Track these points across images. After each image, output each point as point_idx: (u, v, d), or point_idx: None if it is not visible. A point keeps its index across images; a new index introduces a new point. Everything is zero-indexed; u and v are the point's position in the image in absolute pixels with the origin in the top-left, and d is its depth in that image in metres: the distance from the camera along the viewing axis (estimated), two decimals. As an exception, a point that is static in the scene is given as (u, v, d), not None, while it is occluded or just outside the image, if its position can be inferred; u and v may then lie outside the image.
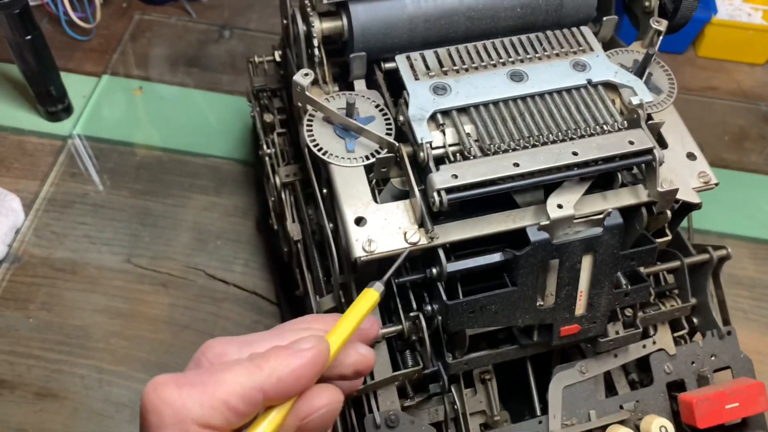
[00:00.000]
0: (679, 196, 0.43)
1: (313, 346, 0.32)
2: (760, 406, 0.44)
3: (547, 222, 0.40)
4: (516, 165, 0.40)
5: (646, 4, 0.50)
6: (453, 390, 0.45)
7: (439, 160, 0.42)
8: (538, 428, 0.44)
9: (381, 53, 0.48)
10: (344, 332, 0.34)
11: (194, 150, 0.73)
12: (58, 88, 0.72)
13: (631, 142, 0.42)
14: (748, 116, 0.81)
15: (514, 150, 0.42)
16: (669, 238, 0.46)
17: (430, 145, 0.42)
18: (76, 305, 0.62)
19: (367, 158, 0.43)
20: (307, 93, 0.43)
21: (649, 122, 0.44)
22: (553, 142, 0.42)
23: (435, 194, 0.39)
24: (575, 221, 0.41)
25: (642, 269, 0.45)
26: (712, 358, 0.47)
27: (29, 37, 0.66)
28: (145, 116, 0.76)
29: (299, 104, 0.45)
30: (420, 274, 0.42)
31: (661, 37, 0.48)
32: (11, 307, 0.62)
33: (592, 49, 0.47)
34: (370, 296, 0.36)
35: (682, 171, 0.45)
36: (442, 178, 0.40)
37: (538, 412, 0.45)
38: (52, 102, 0.72)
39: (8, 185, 0.69)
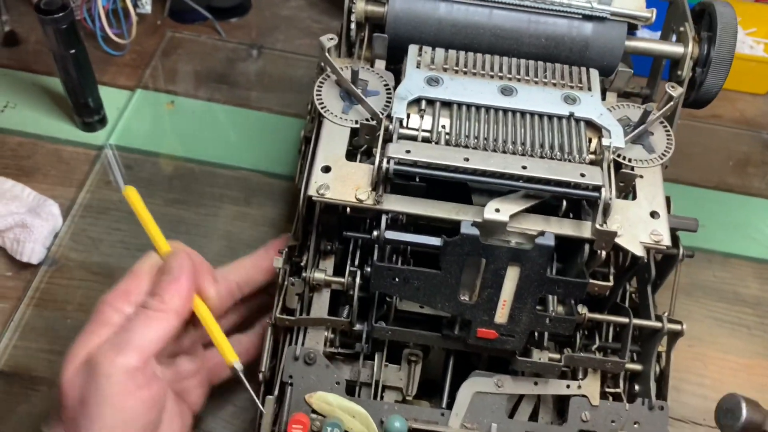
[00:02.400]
0: (623, 244, 0.44)
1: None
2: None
3: (480, 221, 0.43)
4: (466, 159, 0.44)
5: (679, 72, 0.53)
6: (376, 357, 0.47)
7: (409, 139, 0.47)
8: (438, 419, 0.45)
9: (408, 43, 0.52)
10: (155, 236, 0.51)
11: (224, 162, 0.76)
12: (96, 99, 0.75)
13: (582, 175, 0.44)
14: (751, 143, 0.85)
15: (473, 149, 0.46)
16: (608, 284, 0.46)
17: (400, 122, 0.46)
18: (111, 308, 0.64)
19: (356, 123, 0.48)
20: (326, 54, 0.48)
21: (623, 170, 0.46)
22: (513, 153, 0.46)
23: (385, 160, 0.44)
24: (509, 230, 0.43)
25: (585, 312, 0.47)
26: (635, 425, 0.47)
27: (73, 51, 0.69)
28: (176, 129, 0.79)
29: (321, 64, 0.50)
30: (368, 235, 0.46)
31: (672, 105, 0.49)
32: (50, 308, 0.64)
33: (589, 89, 0.49)
34: (131, 194, 0.51)
35: (638, 224, 0.45)
36: (395, 149, 0.44)
37: (443, 405, 0.47)
38: (89, 113, 0.75)
39: (45, 191, 0.71)
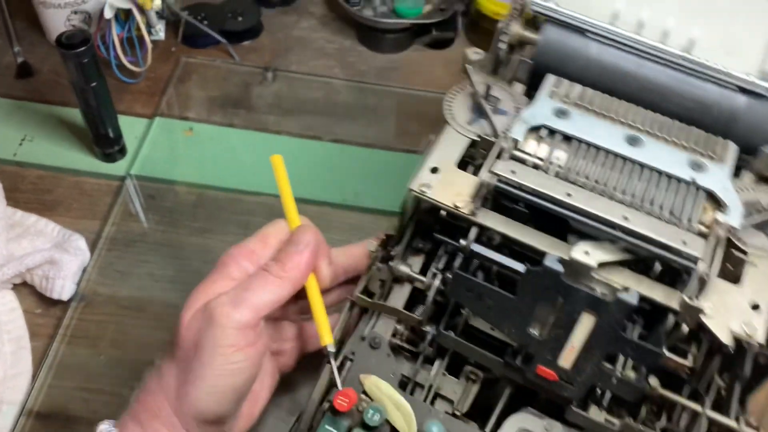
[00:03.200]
0: (710, 326, 0.41)
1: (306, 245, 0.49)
2: None
3: (566, 258, 0.42)
4: (568, 195, 0.44)
5: None
6: (436, 363, 0.47)
7: (520, 162, 0.46)
8: None
9: (553, 73, 0.52)
10: (290, 208, 0.53)
11: (247, 188, 0.75)
12: (116, 130, 0.75)
13: (684, 242, 0.42)
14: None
15: (580, 187, 0.45)
16: (686, 362, 0.43)
17: (516, 143, 0.46)
18: (144, 342, 0.64)
19: (477, 136, 0.49)
20: (467, 65, 0.51)
21: (735, 252, 0.44)
22: (619, 202, 0.45)
23: (488, 175, 0.44)
24: (595, 276, 0.43)
25: (657, 386, 0.44)
26: None
27: (95, 84, 0.69)
28: (196, 156, 0.78)
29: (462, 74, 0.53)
30: (456, 243, 0.46)
31: None
32: (82, 345, 0.64)
33: (721, 161, 0.47)
34: (277, 162, 0.54)
35: (734, 311, 0.42)
36: (502, 166, 0.45)
37: (487, 430, 0.46)
38: (109, 144, 0.75)
39: (69, 225, 0.71)
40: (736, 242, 0.45)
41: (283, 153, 0.80)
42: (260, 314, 0.46)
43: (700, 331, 0.43)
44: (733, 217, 0.44)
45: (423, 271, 0.48)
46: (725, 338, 0.42)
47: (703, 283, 0.42)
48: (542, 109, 0.49)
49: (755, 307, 0.43)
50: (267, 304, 0.47)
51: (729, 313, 0.42)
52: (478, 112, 0.51)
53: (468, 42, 0.92)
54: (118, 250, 0.70)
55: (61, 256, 0.65)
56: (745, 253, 0.45)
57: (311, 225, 0.52)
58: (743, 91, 0.50)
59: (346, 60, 0.89)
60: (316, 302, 0.49)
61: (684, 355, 0.43)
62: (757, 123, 0.50)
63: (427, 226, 0.49)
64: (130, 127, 0.79)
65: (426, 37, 0.90)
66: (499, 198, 0.45)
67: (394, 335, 0.48)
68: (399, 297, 0.48)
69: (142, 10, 0.80)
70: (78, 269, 0.66)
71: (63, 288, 0.64)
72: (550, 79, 0.51)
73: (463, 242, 0.45)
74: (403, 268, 0.48)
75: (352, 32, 0.92)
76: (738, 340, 0.42)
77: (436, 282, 0.47)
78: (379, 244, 0.50)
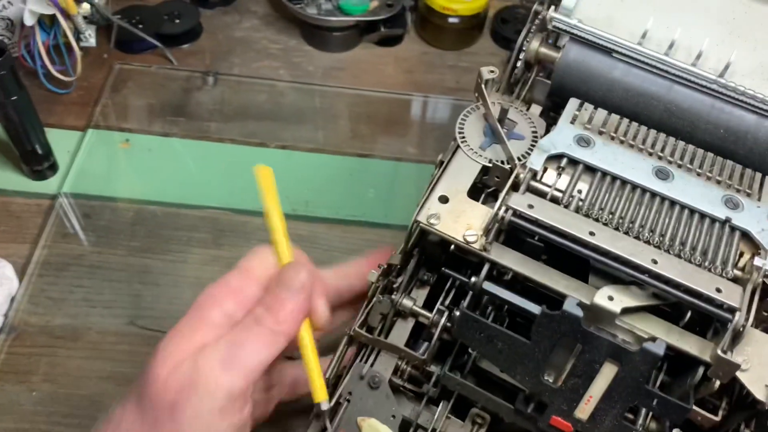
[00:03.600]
0: (745, 382, 0.39)
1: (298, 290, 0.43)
2: None
3: (588, 303, 0.39)
4: (591, 234, 0.40)
5: None
6: (441, 404, 0.44)
7: (538, 194, 0.44)
8: None
9: (572, 96, 0.48)
10: (278, 234, 0.45)
11: (189, 202, 0.71)
12: (44, 146, 0.69)
13: (719, 290, 0.39)
14: None
15: (604, 224, 0.42)
16: (715, 418, 0.41)
17: (534, 174, 0.44)
18: (80, 374, 0.60)
19: (490, 162, 0.46)
20: (482, 86, 0.48)
21: None
22: (646, 242, 0.41)
23: (503, 208, 0.41)
24: (619, 323, 0.40)
25: None
26: None
27: (15, 98, 0.64)
28: (134, 170, 0.74)
29: (475, 94, 0.49)
30: (467, 279, 0.43)
31: None
32: (12, 381, 0.59)
33: (758, 199, 0.44)
34: (264, 174, 0.46)
35: None
36: (518, 200, 0.41)
37: None
38: (37, 160, 0.70)
39: (-5, 252, 0.66)
40: None
41: (228, 162, 0.76)
42: (254, 377, 0.41)
43: (733, 385, 0.40)
44: None
45: (428, 305, 0.45)
46: (762, 395, 0.38)
47: (738, 334, 0.39)
48: (563, 136, 0.45)
49: None
50: (262, 363, 0.41)
51: (765, 367, 0.39)
52: (492, 135, 0.47)
53: (418, 38, 0.89)
54: (50, 275, 0.65)
55: (-14, 286, 0.60)
56: None
57: (305, 259, 0.46)
58: None
59: (292, 60, 0.85)
60: (309, 352, 0.44)
61: (713, 410, 0.40)
62: None
63: (432, 257, 0.46)
64: (61, 141, 0.74)
65: (374, 35, 0.87)
66: (513, 231, 0.42)
67: (395, 373, 0.45)
68: (401, 332, 0.45)
69: (67, 15, 0.74)
70: (5, 300, 0.62)
71: (-12, 321, 0.60)
72: (572, 103, 0.48)
73: (473, 279, 0.42)
74: (407, 302, 0.45)
75: (296, 31, 0.88)
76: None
77: (443, 320, 0.44)
78: (380, 274, 0.46)
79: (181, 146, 0.76)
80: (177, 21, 0.84)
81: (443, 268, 0.45)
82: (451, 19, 0.85)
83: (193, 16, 0.85)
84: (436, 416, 0.44)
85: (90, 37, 0.80)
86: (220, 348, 0.41)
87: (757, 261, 0.40)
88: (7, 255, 0.65)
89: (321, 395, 0.43)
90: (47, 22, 0.75)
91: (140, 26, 0.82)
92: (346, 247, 0.70)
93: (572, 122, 0.46)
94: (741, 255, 0.42)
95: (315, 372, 0.44)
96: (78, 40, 0.78)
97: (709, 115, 0.47)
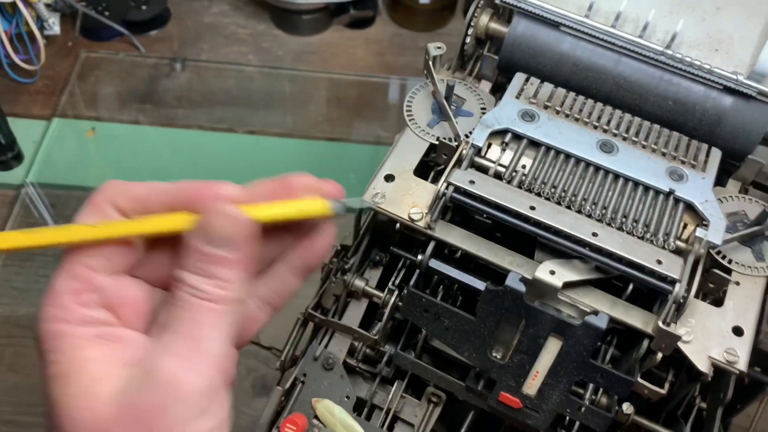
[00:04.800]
0: (688, 353, 0.38)
1: None
2: None
3: (529, 277, 0.39)
4: (531, 208, 0.40)
5: None
6: (395, 384, 0.44)
7: (481, 170, 0.43)
8: None
9: (521, 71, 0.48)
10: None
11: (156, 189, 0.71)
12: (7, 135, 0.69)
13: (659, 262, 0.38)
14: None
15: (546, 199, 0.41)
16: (661, 391, 0.40)
17: (478, 150, 0.43)
18: (45, 363, 0.60)
19: (437, 139, 0.45)
20: (429, 62, 0.47)
21: (716, 271, 0.40)
22: (588, 216, 0.41)
23: (444, 185, 0.40)
24: (562, 298, 0.39)
25: (631, 413, 0.41)
26: None
27: (-26, 86, 0.63)
28: (100, 158, 0.74)
29: (424, 71, 0.48)
30: (413, 257, 0.43)
31: None
32: (-25, 373, 0.59)
33: (702, 170, 0.44)
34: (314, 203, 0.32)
35: (715, 336, 0.39)
36: (459, 176, 0.41)
37: None
38: (2, 150, 0.70)
39: (-40, 242, 0.65)
40: (722, 261, 0.41)
41: (194, 148, 0.76)
42: (225, 360, 0.33)
43: (680, 357, 0.39)
44: (715, 233, 0.40)
45: (381, 286, 0.45)
46: (704, 367, 0.38)
47: (680, 306, 0.38)
48: (507, 111, 0.45)
49: (737, 331, 0.39)
50: (226, 341, 0.33)
51: (709, 338, 0.39)
52: (440, 112, 0.47)
53: (389, 20, 0.88)
54: (15, 265, 0.65)
55: (-52, 279, 0.60)
56: (728, 272, 0.41)
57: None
58: (730, 91, 0.45)
59: (261, 45, 0.84)
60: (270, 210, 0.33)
61: (659, 382, 0.40)
62: (743, 126, 0.45)
63: (384, 237, 0.45)
64: (26, 130, 0.73)
65: (344, 17, 0.86)
66: (459, 209, 0.42)
67: (349, 354, 0.45)
68: (355, 313, 0.45)
69: (28, 3, 0.73)
70: (-31, 292, 0.61)
71: (-49, 313, 0.59)
72: (518, 78, 0.47)
73: (420, 257, 0.41)
74: (359, 283, 0.45)
75: (266, 15, 0.87)
76: (716, 368, 0.38)
77: (393, 298, 0.43)
78: (333, 256, 0.46)
79: (148, 134, 0.75)
80: (144, 7, 0.83)
81: (392, 248, 0.44)
82: (422, 0, 0.85)
83: (161, 2, 0.84)
84: (390, 395, 0.44)
85: (54, 25, 0.79)
86: (171, 348, 0.32)
87: (699, 232, 0.40)
88: (-28, 245, 0.64)
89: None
90: (8, 10, 0.74)
91: (106, 13, 0.81)
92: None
93: (517, 97, 0.46)
94: (685, 227, 0.41)
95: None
96: (41, 28, 0.77)
97: (658, 88, 0.46)
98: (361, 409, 0.44)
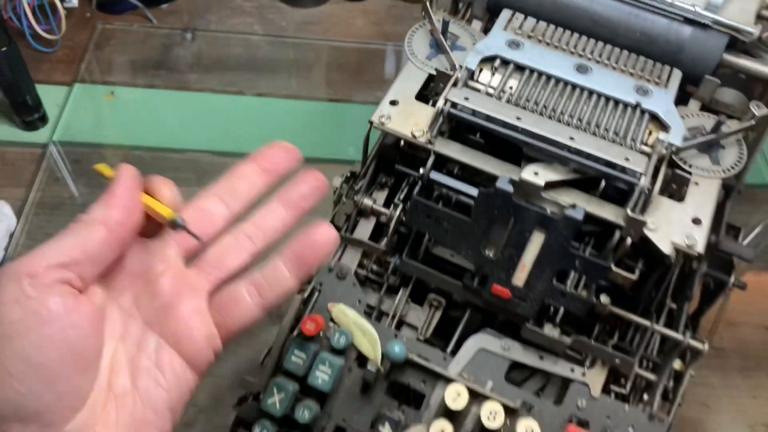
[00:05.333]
0: (653, 238, 0.43)
1: None
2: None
3: (516, 179, 0.44)
4: (518, 118, 0.46)
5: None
6: (400, 291, 0.49)
7: (474, 91, 0.48)
8: (439, 361, 0.46)
9: (509, 7, 0.53)
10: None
11: (171, 146, 0.76)
12: (33, 97, 0.74)
13: (627, 159, 0.44)
14: None
15: (530, 111, 0.47)
16: (632, 276, 0.45)
17: (472, 74, 0.49)
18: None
19: (435, 70, 0.50)
20: (427, 3, 0.52)
21: (678, 172, 0.46)
22: (567, 125, 0.47)
23: (442, 101, 0.46)
24: (545, 196, 0.44)
25: (608, 303, 0.46)
26: (630, 429, 0.45)
27: (5, 48, 0.68)
28: (119, 119, 0.78)
29: (422, 12, 0.54)
30: (416, 172, 0.48)
31: (751, 124, 0.47)
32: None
33: (665, 87, 0.49)
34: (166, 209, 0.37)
35: (676, 225, 0.44)
36: (455, 93, 0.47)
37: (449, 351, 0.48)
38: (29, 111, 0.74)
39: (-8, 195, 0.70)
40: (679, 162, 0.47)
41: (206, 109, 0.81)
42: (55, 262, 0.33)
43: (644, 245, 0.44)
44: (675, 136, 0.46)
45: (387, 205, 0.50)
46: (667, 249, 0.43)
47: (645, 197, 0.44)
48: (496, 41, 0.51)
49: (696, 221, 0.45)
50: (64, 250, 0.34)
51: (671, 227, 0.44)
52: (437, 47, 0.53)
53: (387, -8, 0.93)
54: (45, 214, 0.70)
55: (-14, 223, 0.65)
56: (688, 172, 0.47)
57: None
58: (689, 22, 0.52)
59: (266, 17, 0.90)
60: (146, 200, 0.38)
61: (631, 271, 0.45)
62: (700, 53, 0.51)
63: (390, 160, 0.51)
64: (49, 95, 0.78)
65: (345, -10, 0.92)
66: (456, 129, 0.47)
67: (360, 266, 0.50)
68: (364, 230, 0.50)
69: (50, -24, 0.79)
70: (4, 235, 0.66)
71: (-10, 253, 0.65)
72: (505, 13, 0.53)
73: (421, 170, 0.46)
74: (368, 202, 0.50)
75: (270, -11, 0.92)
76: (683, 254, 0.43)
77: (398, 212, 0.49)
78: (344, 181, 0.52)
79: (163, 97, 0.80)
80: (155, -18, 0.89)
81: (396, 165, 0.49)
82: (416, -27, 0.90)
83: (171, -23, 0.90)
84: (396, 301, 0.49)
85: (73, -2, 0.85)
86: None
87: (662, 135, 0.46)
88: (4, 198, 0.70)
89: (168, 212, 0.38)
90: (31, -17, 0.79)
91: (121, -13, 0.86)
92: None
93: (505, 29, 0.52)
94: (650, 134, 0.47)
95: (153, 203, 0.38)
96: (62, 0, 0.82)
97: (628, 22, 0.52)
98: (369, 315, 0.48)
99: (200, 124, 0.78)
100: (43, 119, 0.76)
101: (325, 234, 0.39)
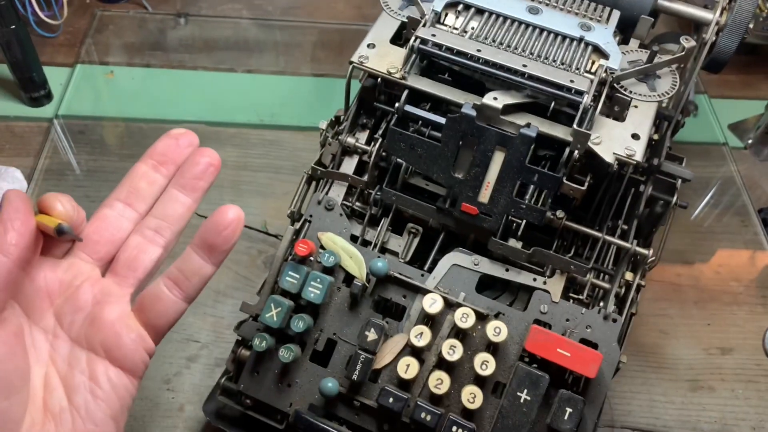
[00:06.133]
0: (597, 150, 0.49)
1: None
2: (587, 370, 0.47)
3: (479, 104, 0.50)
4: (478, 50, 0.52)
5: (704, 36, 0.57)
6: (382, 221, 0.54)
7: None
8: (417, 277, 0.52)
9: None
10: None
11: (169, 117, 0.82)
12: (40, 74, 0.80)
13: (572, 81, 0.50)
14: None
15: (489, 45, 0.53)
16: (581, 187, 0.50)
17: (439, 16, 0.55)
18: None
19: (408, 18, 0.57)
20: None
21: (619, 95, 0.53)
22: (520, 55, 0.53)
23: (413, 38, 0.52)
24: (503, 119, 0.50)
25: (563, 217, 0.51)
26: (587, 329, 0.50)
27: (14, 26, 0.74)
28: (119, 95, 0.84)
29: None
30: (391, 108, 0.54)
31: (683, 56, 0.53)
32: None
33: (606, 23, 0.56)
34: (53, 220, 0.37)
35: (618, 140, 0.50)
36: (424, 31, 0.53)
37: (426, 268, 0.53)
38: (35, 87, 0.80)
39: (4, 163, 0.76)
40: (622, 91, 0.53)
41: (199, 85, 0.87)
42: None
43: (591, 160, 0.50)
44: (614, 62, 0.53)
45: (368, 144, 0.56)
46: (609, 158, 0.49)
47: (587, 112, 0.50)
48: None
49: (635, 136, 0.51)
50: None
51: (613, 141, 0.50)
52: (409, 0, 0.59)
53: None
54: (53, 179, 0.75)
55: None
56: (628, 97, 0.53)
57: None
58: None
59: (253, 2, 0.96)
60: (41, 219, 0.38)
61: (581, 183, 0.51)
62: None
63: (369, 101, 0.56)
64: (53, 75, 0.84)
65: (325, -23, 0.98)
66: (427, 70, 0.53)
67: (345, 199, 0.55)
68: (348, 166, 0.56)
69: (52, -36, 0.85)
70: (17, 196, 0.72)
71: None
72: None
73: (396, 105, 0.52)
74: (350, 140, 0.55)
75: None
76: (619, 162, 0.49)
77: (378, 146, 0.54)
78: (329, 124, 0.57)
79: (159, 74, 0.86)
80: (149, -28, 0.95)
81: (375, 103, 0.56)
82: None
83: (164, -33, 0.96)
84: (379, 228, 0.54)
85: (73, -14, 0.91)
86: None
87: (602, 61, 0.53)
88: (14, 165, 0.75)
89: (53, 222, 0.38)
90: (35, -29, 0.85)
91: (117, -23, 0.92)
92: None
93: None
94: (593, 63, 0.54)
95: (42, 218, 0.38)
96: (63, -12, 0.88)
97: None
98: (355, 242, 0.54)
99: (194, 98, 0.84)
100: (48, 96, 0.82)
101: (228, 215, 0.39)
